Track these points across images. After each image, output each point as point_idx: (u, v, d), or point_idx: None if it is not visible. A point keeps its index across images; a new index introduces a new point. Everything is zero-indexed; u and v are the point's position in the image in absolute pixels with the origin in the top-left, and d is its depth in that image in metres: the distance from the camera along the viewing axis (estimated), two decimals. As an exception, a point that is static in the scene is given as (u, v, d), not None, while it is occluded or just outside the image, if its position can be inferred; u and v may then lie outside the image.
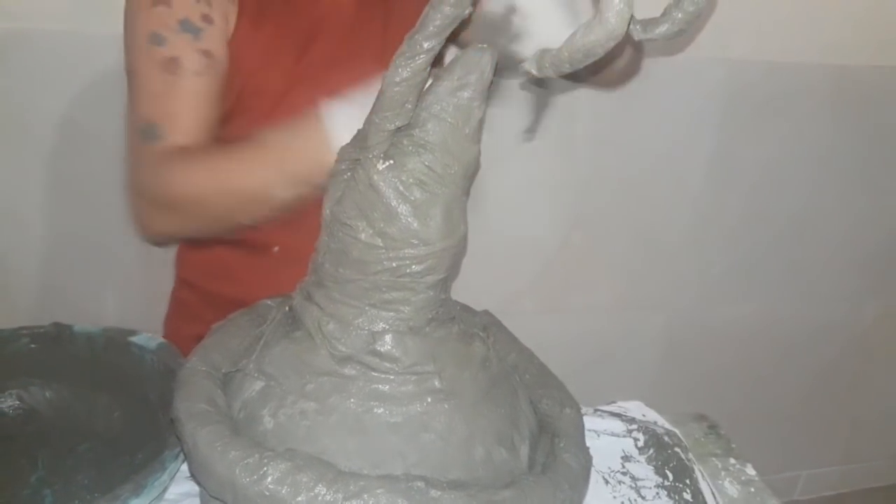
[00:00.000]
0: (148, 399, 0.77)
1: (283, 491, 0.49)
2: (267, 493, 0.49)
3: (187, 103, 0.82)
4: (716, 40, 1.32)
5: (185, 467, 0.74)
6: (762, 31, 1.32)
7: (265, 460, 0.50)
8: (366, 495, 0.49)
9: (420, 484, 0.50)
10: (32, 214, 1.14)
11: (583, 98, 1.30)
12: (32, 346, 0.79)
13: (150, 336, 0.80)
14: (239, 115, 0.88)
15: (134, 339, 0.79)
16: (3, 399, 0.78)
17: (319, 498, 0.49)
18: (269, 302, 0.68)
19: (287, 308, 0.62)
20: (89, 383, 0.79)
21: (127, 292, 1.22)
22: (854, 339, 1.72)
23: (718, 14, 1.30)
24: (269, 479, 0.49)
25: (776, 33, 1.33)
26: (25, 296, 1.17)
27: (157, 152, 0.81)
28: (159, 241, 0.92)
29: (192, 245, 1.00)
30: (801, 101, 1.40)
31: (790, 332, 1.65)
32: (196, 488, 0.74)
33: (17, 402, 0.79)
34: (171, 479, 0.68)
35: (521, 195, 1.34)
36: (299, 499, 0.49)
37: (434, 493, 0.50)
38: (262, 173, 0.76)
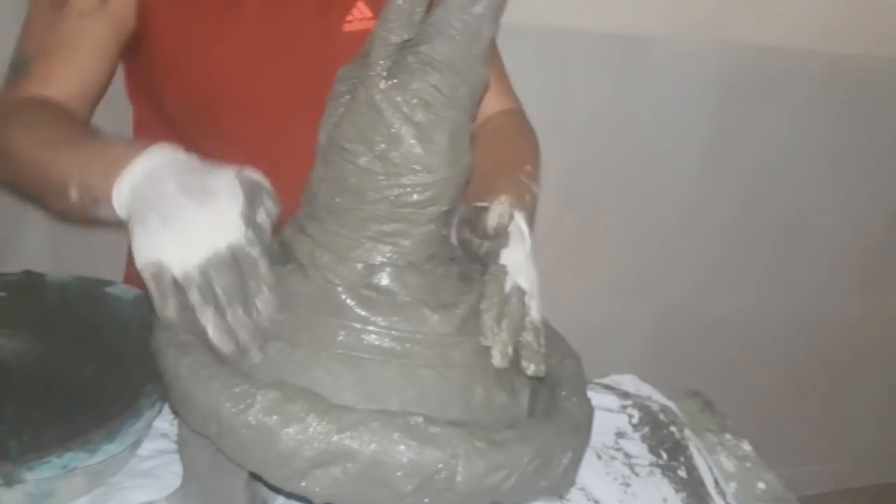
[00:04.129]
0: (123, 352, 0.73)
1: (272, 421, 0.45)
2: (254, 423, 0.45)
3: (64, 43, 0.76)
4: (714, 23, 1.30)
5: (160, 423, 0.71)
6: (760, 14, 1.31)
7: (252, 389, 0.46)
8: (360, 428, 0.45)
9: (418, 419, 0.47)
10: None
11: (577, 78, 1.29)
12: (2, 294, 0.75)
13: (126, 287, 0.76)
14: (165, 79, 0.82)
15: (110, 289, 0.76)
16: (-32, 348, 0.74)
17: (310, 429, 0.45)
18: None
19: (276, 243, 0.58)
20: (61, 335, 0.75)
21: (97, 241, 1.16)
22: (842, 335, 1.71)
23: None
24: (257, 407, 0.45)
25: (774, 17, 1.32)
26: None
27: (18, 89, 0.76)
28: None
29: None
30: (797, 87, 1.39)
31: (777, 326, 1.64)
32: (171, 446, 0.70)
33: (-16, 353, 0.75)
34: (147, 427, 0.64)
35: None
36: (288, 430, 0.45)
37: (433, 429, 0.47)
38: (61, 166, 0.65)
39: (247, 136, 0.83)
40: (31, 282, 0.75)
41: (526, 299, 0.57)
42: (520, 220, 0.64)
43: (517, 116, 0.94)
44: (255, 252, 0.52)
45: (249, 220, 0.53)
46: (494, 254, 0.59)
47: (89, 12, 0.76)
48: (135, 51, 0.81)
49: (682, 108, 1.36)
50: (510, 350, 0.53)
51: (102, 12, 0.76)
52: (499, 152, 0.83)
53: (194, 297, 0.50)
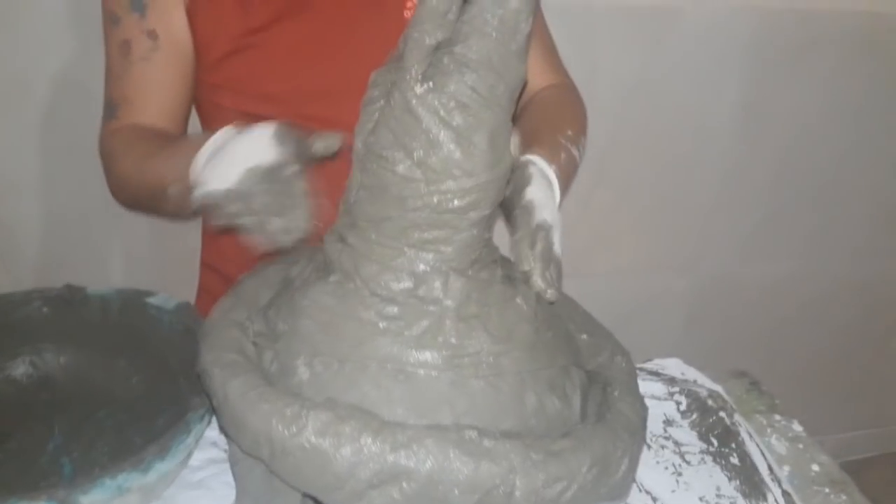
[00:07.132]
0: (167, 362, 0.73)
1: (326, 443, 0.45)
2: (307, 446, 0.45)
3: (138, 89, 0.82)
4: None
5: (209, 432, 0.71)
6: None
7: (304, 410, 0.46)
8: (415, 446, 0.45)
9: (472, 433, 0.46)
10: (35, 178, 1.09)
11: (605, 52, 1.25)
12: (45, 309, 0.75)
13: (167, 296, 0.76)
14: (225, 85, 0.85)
15: (150, 300, 0.75)
16: (15, 366, 0.75)
17: (365, 450, 0.44)
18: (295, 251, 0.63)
19: (317, 254, 0.57)
20: (105, 347, 0.75)
21: (135, 258, 1.17)
22: (884, 299, 1.67)
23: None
24: (309, 430, 0.45)
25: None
26: (33, 262, 1.13)
27: (112, 129, 0.83)
28: (128, 208, 0.90)
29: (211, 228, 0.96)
30: (832, 49, 1.34)
31: (819, 292, 1.60)
32: (222, 454, 0.70)
33: (31, 369, 0.75)
34: (197, 442, 0.64)
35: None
36: (343, 451, 0.44)
37: (487, 442, 0.46)
38: (158, 173, 0.73)
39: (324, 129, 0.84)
40: (72, 296, 0.75)
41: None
42: (542, 163, 0.68)
43: (565, 89, 0.95)
44: (289, 169, 0.56)
45: (283, 140, 0.58)
46: (519, 190, 0.62)
47: (147, 55, 0.80)
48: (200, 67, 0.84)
49: (714, 77, 1.32)
50: (549, 275, 0.57)
51: (159, 51, 0.80)
52: (538, 119, 0.85)
53: (233, 209, 0.56)
